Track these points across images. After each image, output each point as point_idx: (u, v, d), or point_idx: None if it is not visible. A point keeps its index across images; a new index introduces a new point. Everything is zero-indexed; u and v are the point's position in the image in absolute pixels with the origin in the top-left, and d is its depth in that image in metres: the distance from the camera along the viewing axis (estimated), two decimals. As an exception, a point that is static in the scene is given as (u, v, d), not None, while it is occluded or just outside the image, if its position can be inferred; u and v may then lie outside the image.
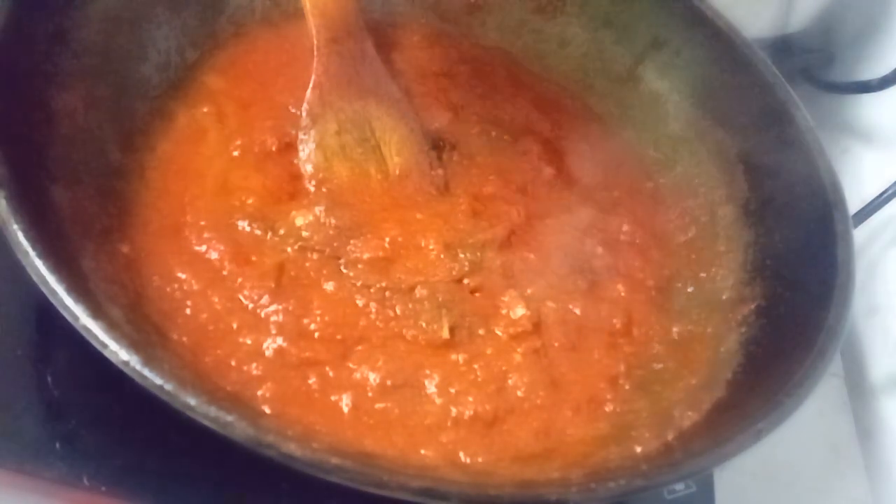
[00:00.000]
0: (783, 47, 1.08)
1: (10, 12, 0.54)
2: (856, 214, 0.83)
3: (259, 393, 0.52)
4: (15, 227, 0.46)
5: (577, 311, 0.63)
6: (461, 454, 0.53)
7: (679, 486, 0.65)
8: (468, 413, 0.55)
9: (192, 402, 0.42)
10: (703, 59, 0.77)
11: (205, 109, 0.69)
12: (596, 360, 0.62)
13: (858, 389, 0.88)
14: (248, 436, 0.42)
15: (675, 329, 0.65)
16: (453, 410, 0.55)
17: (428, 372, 0.57)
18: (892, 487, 0.81)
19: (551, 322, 0.62)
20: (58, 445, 0.54)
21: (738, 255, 0.69)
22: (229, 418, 0.42)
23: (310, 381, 0.54)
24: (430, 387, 0.56)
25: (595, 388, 0.60)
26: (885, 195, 0.85)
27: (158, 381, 0.42)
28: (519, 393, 0.57)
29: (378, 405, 0.54)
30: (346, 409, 0.54)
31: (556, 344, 0.61)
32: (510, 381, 0.58)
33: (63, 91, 0.59)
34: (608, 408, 0.59)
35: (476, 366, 0.58)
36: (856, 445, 0.81)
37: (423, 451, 0.53)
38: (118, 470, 0.54)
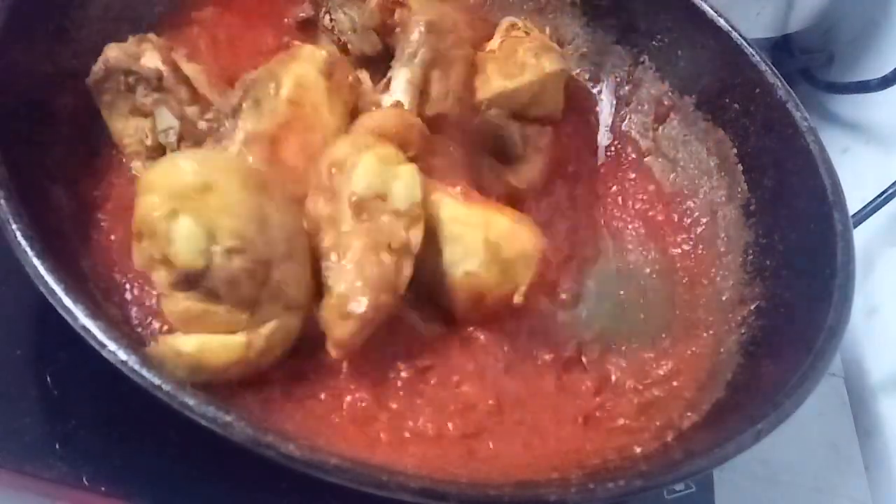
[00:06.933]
0: (783, 47, 1.08)
1: (10, 12, 0.54)
2: (856, 214, 0.83)
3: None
4: (14, 227, 0.46)
5: None
6: None
7: (679, 486, 0.65)
8: None
9: (191, 402, 0.42)
10: (703, 59, 0.77)
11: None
12: None
13: (858, 389, 0.87)
14: (248, 436, 0.42)
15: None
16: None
17: None
18: (892, 487, 0.81)
19: None
20: (58, 445, 0.54)
21: (738, 255, 0.69)
22: (228, 418, 0.42)
23: None
24: None
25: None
26: (885, 195, 0.85)
27: (157, 381, 0.42)
28: None
29: None
30: None
31: None
32: None
33: (63, 91, 0.59)
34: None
35: None
36: (856, 445, 0.81)
37: None
38: (118, 470, 0.54)
